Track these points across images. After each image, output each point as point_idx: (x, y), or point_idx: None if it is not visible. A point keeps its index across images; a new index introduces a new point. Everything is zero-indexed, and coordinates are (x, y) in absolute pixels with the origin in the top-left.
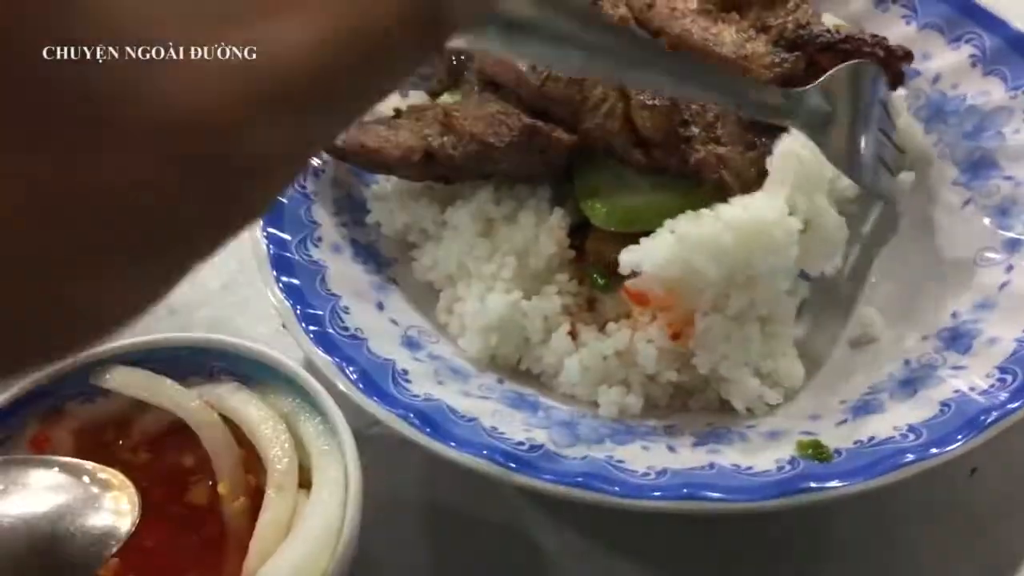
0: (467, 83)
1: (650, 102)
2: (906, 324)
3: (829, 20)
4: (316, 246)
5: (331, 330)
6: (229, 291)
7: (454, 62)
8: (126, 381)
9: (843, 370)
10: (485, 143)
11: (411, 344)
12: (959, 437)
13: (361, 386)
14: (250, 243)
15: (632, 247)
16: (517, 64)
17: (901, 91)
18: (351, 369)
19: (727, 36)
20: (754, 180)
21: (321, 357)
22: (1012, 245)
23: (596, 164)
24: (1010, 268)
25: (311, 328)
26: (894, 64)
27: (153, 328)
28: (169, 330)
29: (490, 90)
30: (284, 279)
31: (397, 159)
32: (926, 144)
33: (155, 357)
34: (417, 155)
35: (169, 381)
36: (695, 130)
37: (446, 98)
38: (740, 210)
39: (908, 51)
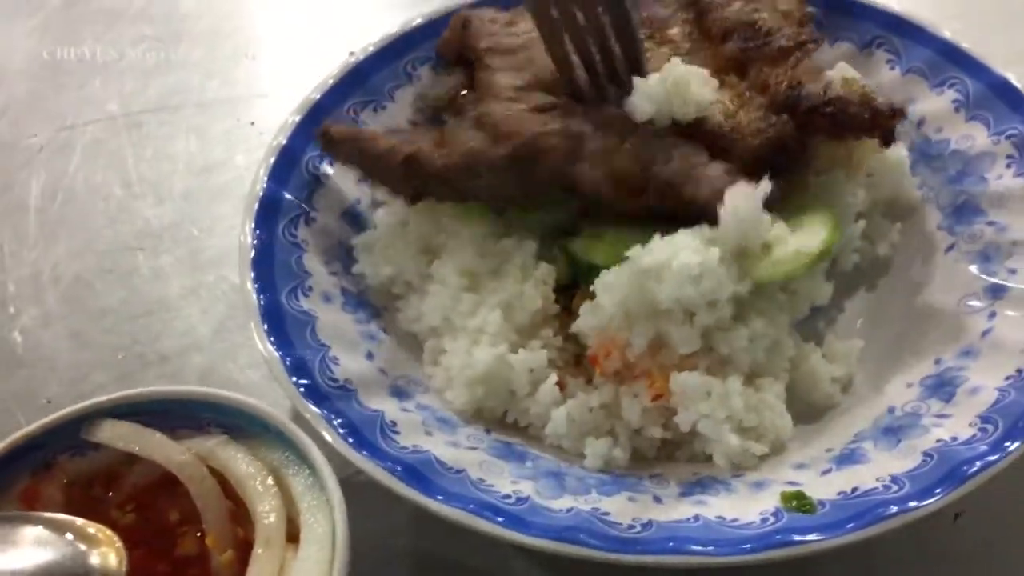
0: (466, 120)
1: (629, 146)
2: (891, 369)
3: (840, 73)
4: (307, 296)
5: (320, 381)
6: (220, 337)
7: (456, 94)
8: (116, 435)
9: (829, 414)
10: (472, 154)
11: (400, 394)
12: (939, 491)
13: (349, 439)
14: (240, 289)
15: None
16: (519, 127)
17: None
18: (339, 422)
19: (719, 107)
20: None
21: (310, 410)
22: (995, 291)
23: (597, 211)
24: (993, 315)
25: (300, 381)
26: (883, 123)
27: (145, 376)
28: (161, 377)
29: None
30: (273, 330)
31: (381, 151)
32: (914, 193)
33: (145, 410)
34: (401, 155)
35: (158, 434)
36: (667, 169)
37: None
38: (650, 253)
39: (897, 109)
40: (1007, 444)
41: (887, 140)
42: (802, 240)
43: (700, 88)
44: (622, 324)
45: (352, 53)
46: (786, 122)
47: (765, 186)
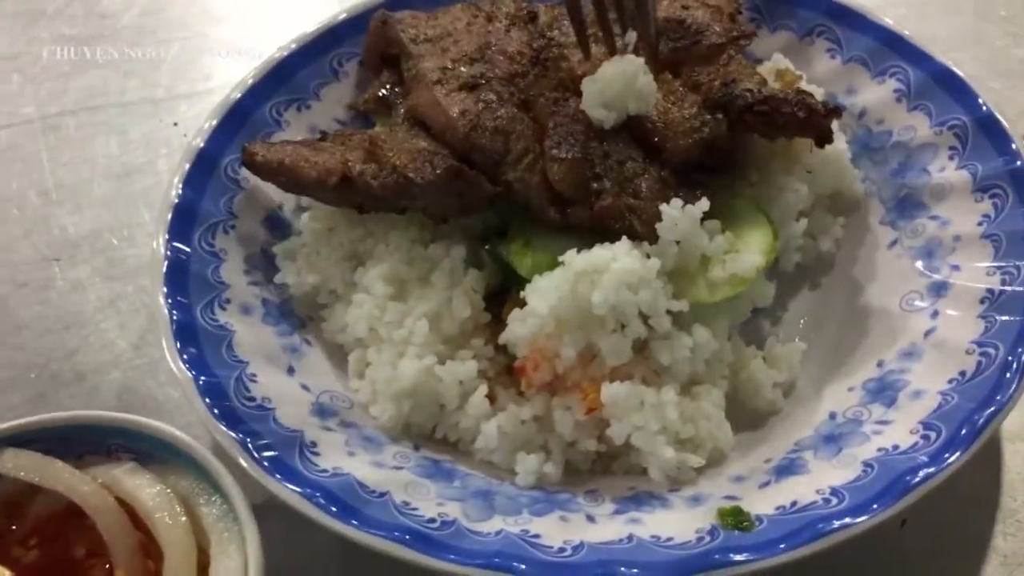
0: (397, 116)
1: (562, 155)
2: (833, 371)
3: (773, 66)
4: (223, 308)
5: (236, 401)
6: (139, 352)
7: (386, 92)
8: (17, 464)
9: (771, 420)
10: (406, 177)
11: (322, 412)
12: (875, 506)
13: (265, 463)
14: (156, 293)
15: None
16: (448, 109)
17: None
18: (254, 444)
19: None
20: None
21: (222, 433)
22: (937, 289)
23: (529, 215)
24: (935, 314)
25: (212, 401)
26: (819, 123)
27: (59, 395)
28: (76, 396)
29: (419, 127)
30: (186, 348)
31: (313, 180)
32: (858, 187)
33: (49, 436)
34: (334, 178)
35: (61, 464)
36: (607, 183)
37: (376, 128)
38: (587, 255)
39: (832, 108)
40: (947, 456)
41: (822, 140)
42: (739, 261)
43: (647, 80)
44: (553, 333)
45: (281, 49)
46: (720, 121)
47: (704, 204)
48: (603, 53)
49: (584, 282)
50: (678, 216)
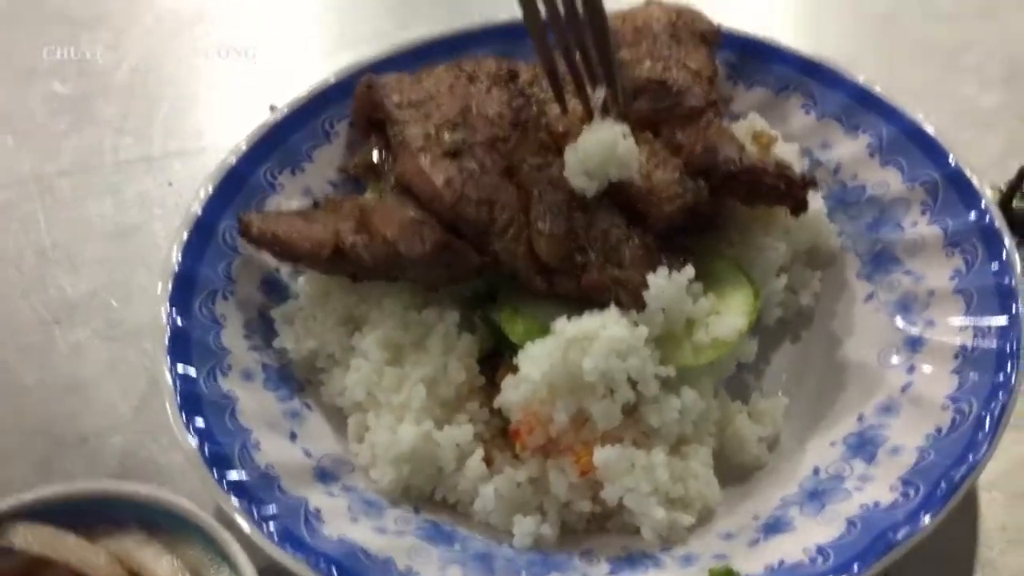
0: (386, 182)
1: (547, 229)
2: (815, 425)
3: (750, 127)
4: (225, 375)
5: (241, 470)
6: (141, 416)
7: (375, 157)
8: (30, 539)
9: (756, 475)
10: (396, 250)
11: (325, 476)
12: (858, 565)
13: (271, 533)
14: (160, 362)
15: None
16: (433, 178)
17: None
18: (260, 514)
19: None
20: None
21: (230, 503)
22: (913, 344)
23: (516, 282)
24: (912, 369)
25: (219, 471)
26: (796, 193)
27: (63, 461)
28: (79, 461)
29: (407, 195)
30: (192, 418)
31: (306, 252)
32: (834, 242)
33: (59, 508)
34: (327, 250)
35: (73, 538)
36: (592, 255)
37: (368, 193)
38: (578, 324)
39: (810, 180)
40: (927, 512)
41: (798, 209)
42: (722, 324)
43: (627, 145)
44: (545, 398)
45: (273, 107)
46: (702, 188)
47: (689, 271)
48: (582, 113)
49: (575, 349)
50: (664, 285)
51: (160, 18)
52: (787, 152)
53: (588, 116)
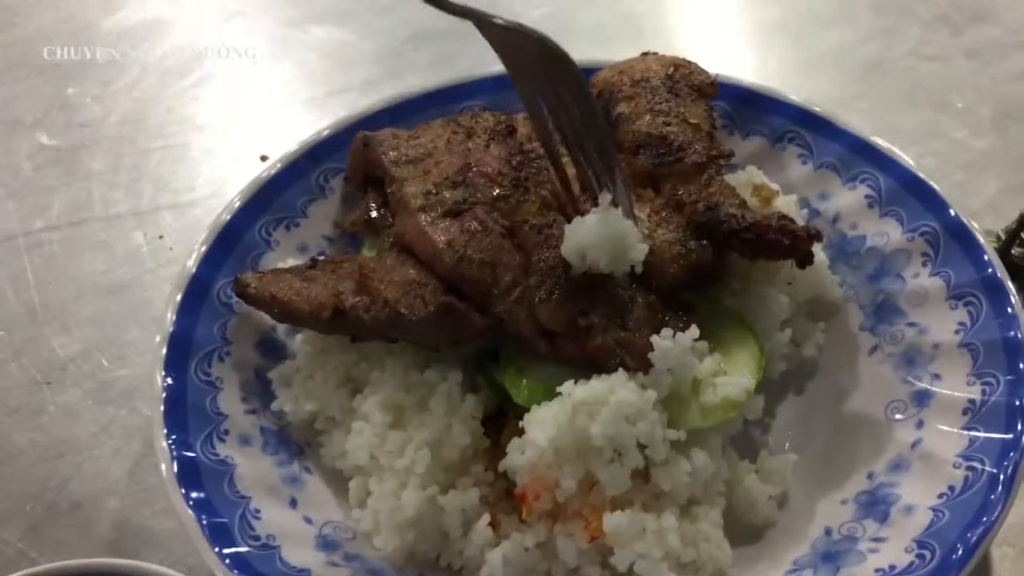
0: (384, 240)
1: (548, 296)
2: (825, 482)
3: (748, 179)
4: (223, 441)
5: (242, 543)
6: (134, 479)
7: (372, 214)
8: None
9: (767, 534)
10: (398, 312)
11: (326, 545)
12: None
13: None
14: (156, 430)
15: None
16: (434, 239)
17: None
18: None
19: (641, 217)
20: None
21: None
22: (920, 398)
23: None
24: (920, 424)
25: (220, 545)
26: (800, 247)
27: (55, 528)
28: (72, 528)
29: (407, 254)
30: (189, 489)
31: (307, 314)
32: (837, 293)
33: None
34: (327, 312)
35: None
36: (595, 319)
37: (364, 251)
38: (586, 388)
39: (814, 233)
40: None
41: (804, 263)
42: (730, 385)
43: (634, 244)
44: (552, 463)
45: (264, 157)
46: (706, 248)
47: (693, 331)
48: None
49: (582, 414)
50: (670, 346)
51: (147, 68)
52: (785, 204)
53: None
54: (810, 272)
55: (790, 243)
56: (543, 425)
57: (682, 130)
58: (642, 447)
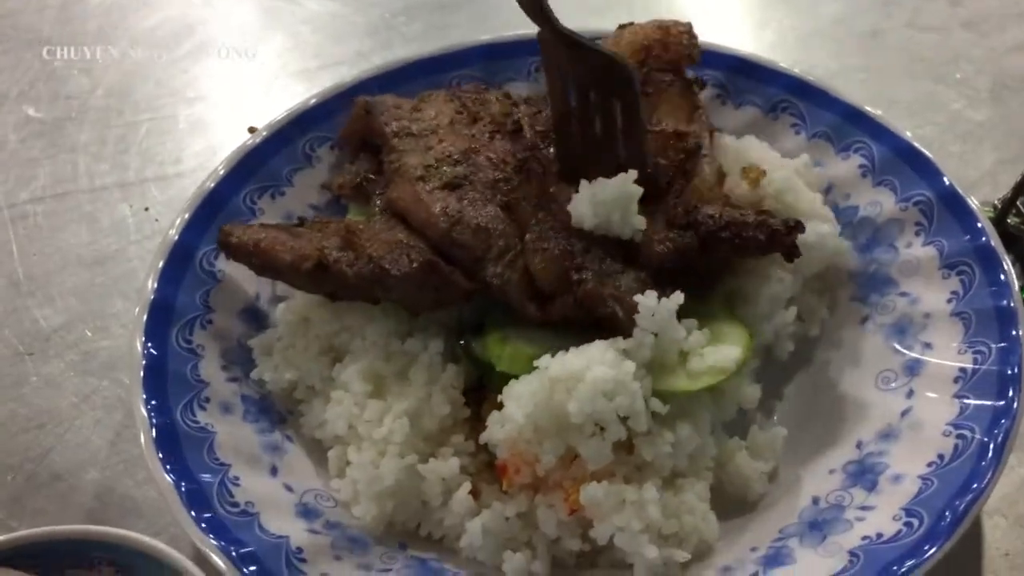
0: (374, 206)
1: (544, 247)
2: (813, 453)
3: (736, 158)
4: (203, 408)
5: (220, 509)
6: (116, 450)
7: (363, 180)
8: None
9: (756, 505)
10: (382, 267)
11: (307, 513)
12: None
13: (250, 573)
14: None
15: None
16: (430, 205)
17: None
18: (239, 555)
19: None
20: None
21: (207, 543)
22: (911, 368)
23: (506, 309)
24: (911, 393)
25: (197, 511)
26: (782, 241)
27: (36, 498)
28: (53, 498)
29: (397, 219)
30: (167, 455)
31: (287, 264)
32: (851, 259)
33: (27, 552)
34: (309, 263)
35: None
36: (587, 275)
37: (351, 215)
38: (562, 363)
39: (794, 225)
40: (931, 544)
41: (790, 256)
42: (718, 352)
43: (635, 211)
44: (531, 437)
45: (252, 128)
46: (691, 236)
47: (678, 297)
48: None
49: (560, 390)
50: (654, 306)
51: (136, 40)
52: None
53: None
54: (818, 244)
55: (769, 238)
56: (520, 400)
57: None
58: (624, 419)
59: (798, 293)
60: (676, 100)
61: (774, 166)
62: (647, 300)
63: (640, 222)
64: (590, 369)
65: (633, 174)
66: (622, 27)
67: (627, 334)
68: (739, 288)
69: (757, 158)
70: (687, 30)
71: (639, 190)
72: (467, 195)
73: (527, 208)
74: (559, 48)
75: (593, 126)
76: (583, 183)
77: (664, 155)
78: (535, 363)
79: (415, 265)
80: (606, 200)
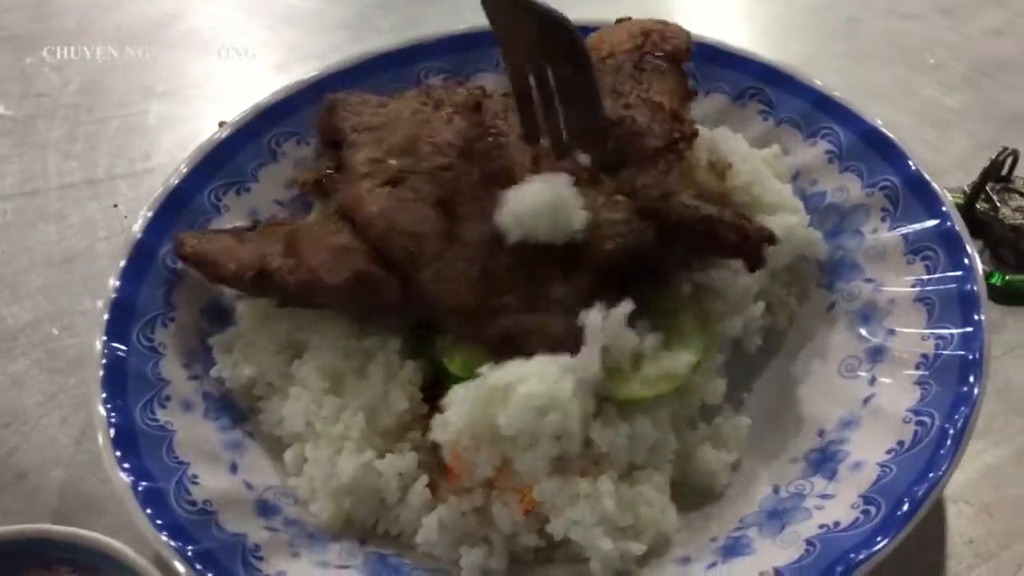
0: (330, 205)
1: (464, 268)
2: (776, 441)
3: (709, 143)
4: (163, 407)
5: (177, 508)
6: (81, 448)
7: (324, 177)
8: None
9: (719, 494)
10: (317, 277)
11: (266, 510)
12: None
13: (206, 572)
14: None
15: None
16: (368, 206)
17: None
18: (194, 553)
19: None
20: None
21: (162, 543)
22: (874, 354)
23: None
24: (873, 380)
25: (153, 510)
26: (751, 248)
27: (2, 496)
28: (18, 497)
29: (345, 220)
30: (126, 454)
31: (231, 273)
32: (822, 249)
33: None
34: (250, 272)
35: None
36: (510, 299)
37: (313, 214)
38: (499, 372)
39: (768, 234)
40: (888, 532)
41: (753, 266)
42: (672, 359)
43: (576, 212)
44: (469, 444)
45: (223, 123)
46: (647, 229)
47: (627, 306)
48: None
49: (496, 399)
50: (598, 325)
51: (108, 36)
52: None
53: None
54: (787, 236)
55: (739, 242)
56: (460, 406)
57: (642, 112)
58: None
59: (767, 286)
60: (671, 84)
61: (742, 157)
62: (592, 320)
63: (579, 221)
64: (524, 382)
65: (564, 178)
66: (620, 21)
67: (573, 352)
68: (707, 281)
69: (727, 149)
70: (685, 32)
71: (565, 196)
72: (405, 191)
73: (461, 204)
74: (504, 11)
75: (551, 96)
76: (507, 193)
77: (661, 119)
78: (478, 370)
79: (345, 276)
80: (530, 210)
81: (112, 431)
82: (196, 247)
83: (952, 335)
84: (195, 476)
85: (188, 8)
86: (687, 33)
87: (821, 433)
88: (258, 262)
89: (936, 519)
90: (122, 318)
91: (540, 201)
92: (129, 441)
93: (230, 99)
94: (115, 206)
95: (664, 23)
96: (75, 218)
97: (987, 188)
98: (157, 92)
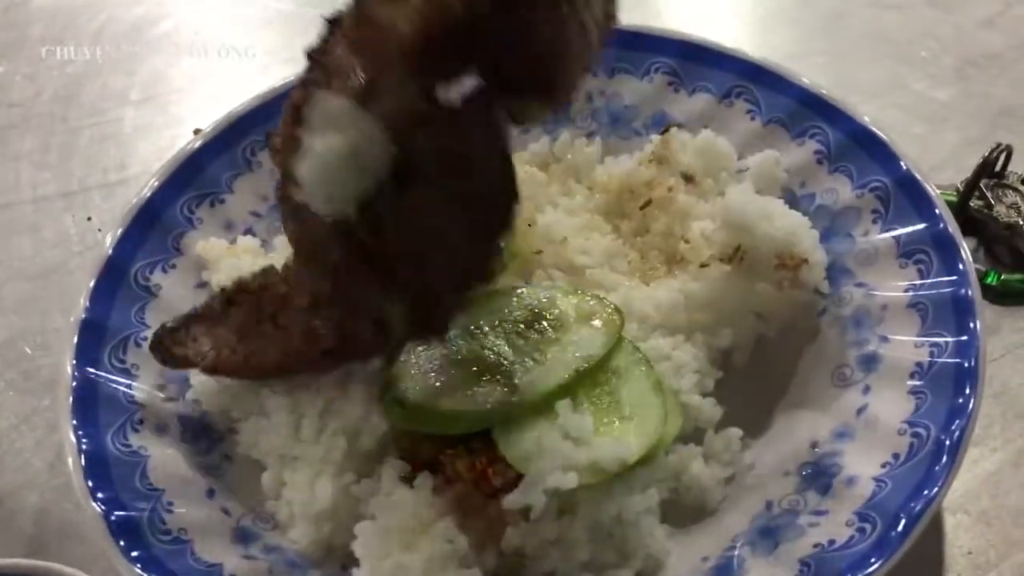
0: None
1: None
2: (768, 452)
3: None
4: (136, 431)
5: (151, 538)
6: (55, 471)
7: None
8: None
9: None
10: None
11: (244, 537)
12: None
13: None
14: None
15: None
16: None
17: None
18: None
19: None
20: None
21: (136, 574)
22: (868, 362)
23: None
24: (867, 390)
25: (126, 542)
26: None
27: None
28: None
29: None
30: (97, 484)
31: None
32: (821, 256)
33: None
34: (206, 363)
35: None
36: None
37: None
38: None
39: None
40: (883, 552)
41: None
42: (605, 449)
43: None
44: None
45: (198, 130)
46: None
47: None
48: None
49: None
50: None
51: (82, 43)
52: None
53: None
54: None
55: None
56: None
57: None
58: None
59: (757, 293)
60: None
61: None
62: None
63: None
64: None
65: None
66: None
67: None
68: (696, 294)
69: (719, 155)
70: None
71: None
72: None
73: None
74: None
75: None
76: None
77: None
78: None
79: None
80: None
81: (82, 459)
82: (188, 355)
83: (947, 343)
84: (170, 503)
85: (160, 13)
86: None
87: (814, 445)
88: (209, 357)
89: (933, 529)
90: (93, 339)
91: (328, 156)
92: (101, 468)
93: (207, 106)
94: (89, 219)
95: None
96: (49, 232)
97: (980, 185)
98: (131, 99)
